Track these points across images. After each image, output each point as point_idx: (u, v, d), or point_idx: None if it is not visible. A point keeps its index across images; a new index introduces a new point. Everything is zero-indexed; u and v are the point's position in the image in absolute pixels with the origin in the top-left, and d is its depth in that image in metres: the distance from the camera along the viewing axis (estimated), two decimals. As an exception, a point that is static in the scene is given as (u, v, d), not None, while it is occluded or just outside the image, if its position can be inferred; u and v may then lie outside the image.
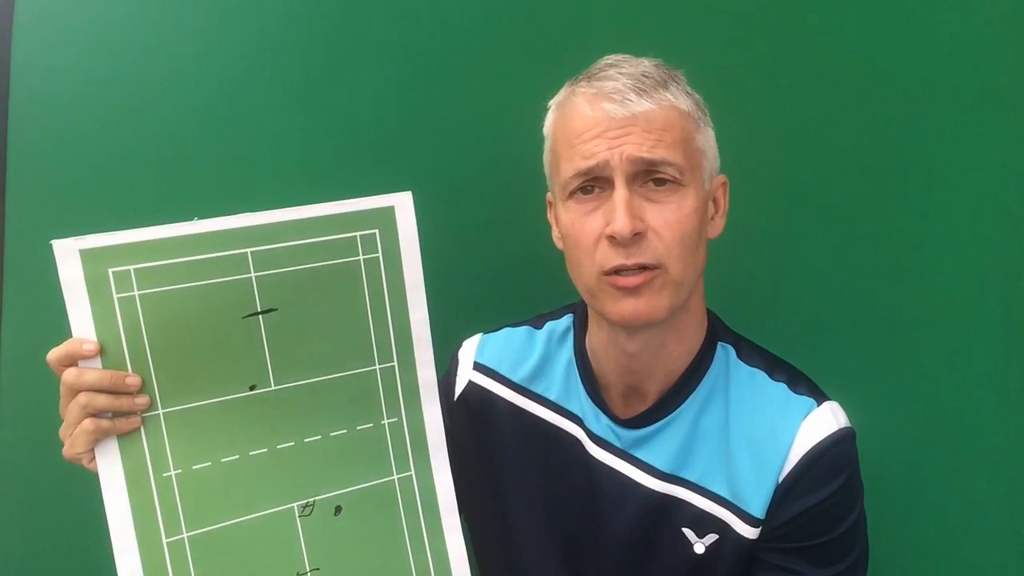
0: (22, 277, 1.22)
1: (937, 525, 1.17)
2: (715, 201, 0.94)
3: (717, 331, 0.98)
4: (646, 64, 0.89)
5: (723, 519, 0.91)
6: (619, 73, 0.86)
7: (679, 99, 0.87)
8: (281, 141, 1.23)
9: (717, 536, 0.91)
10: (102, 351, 0.79)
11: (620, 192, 0.85)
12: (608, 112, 0.85)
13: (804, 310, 1.19)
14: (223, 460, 0.84)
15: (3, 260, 1.23)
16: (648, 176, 0.86)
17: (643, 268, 0.85)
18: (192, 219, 0.83)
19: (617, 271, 0.86)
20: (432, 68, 1.22)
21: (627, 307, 0.86)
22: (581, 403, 1.00)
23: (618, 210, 0.84)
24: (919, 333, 1.17)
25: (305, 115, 1.22)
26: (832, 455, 0.89)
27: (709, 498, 0.92)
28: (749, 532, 0.90)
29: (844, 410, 0.93)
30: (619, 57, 0.90)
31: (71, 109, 1.22)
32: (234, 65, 1.22)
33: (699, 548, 0.92)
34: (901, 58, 1.16)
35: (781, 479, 0.89)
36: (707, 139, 0.90)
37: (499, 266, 1.22)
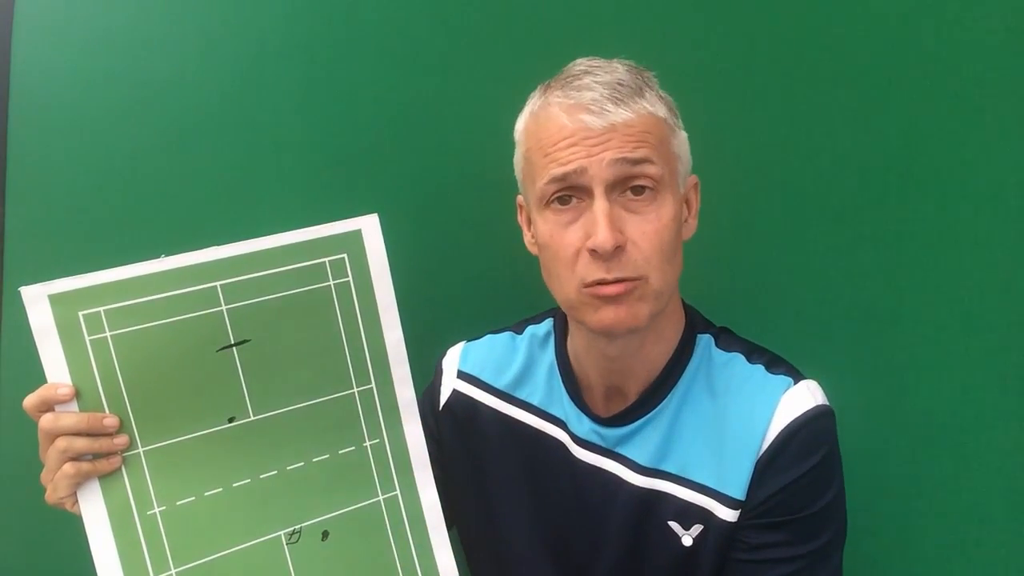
0: (22, 277, 1.22)
1: (937, 524, 1.17)
2: (688, 202, 0.93)
3: (697, 325, 0.98)
4: (620, 70, 0.88)
5: (706, 507, 0.91)
6: (595, 82, 0.85)
7: (655, 106, 0.87)
8: (265, 150, 1.23)
9: (702, 527, 0.91)
10: (78, 394, 0.80)
11: (600, 203, 0.84)
12: (587, 123, 0.84)
13: (803, 309, 1.18)
14: (207, 494, 0.85)
15: (3, 260, 1.24)
16: (627, 184, 0.85)
17: (623, 280, 0.84)
18: (160, 256, 0.82)
19: (599, 282, 0.85)
20: (402, 83, 1.21)
21: (608, 315, 0.86)
22: (564, 406, 1.00)
23: (599, 223, 0.83)
24: (919, 333, 1.16)
25: (289, 126, 1.23)
26: (808, 431, 0.88)
27: (691, 488, 0.92)
28: (730, 515, 0.90)
29: (830, 393, 0.92)
30: (592, 62, 0.89)
31: (71, 109, 1.22)
32: (232, 67, 1.22)
33: (687, 540, 0.92)
34: (901, 58, 1.14)
35: (759, 456, 0.89)
36: (681, 143, 0.90)
37: (472, 278, 1.22)
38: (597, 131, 0.84)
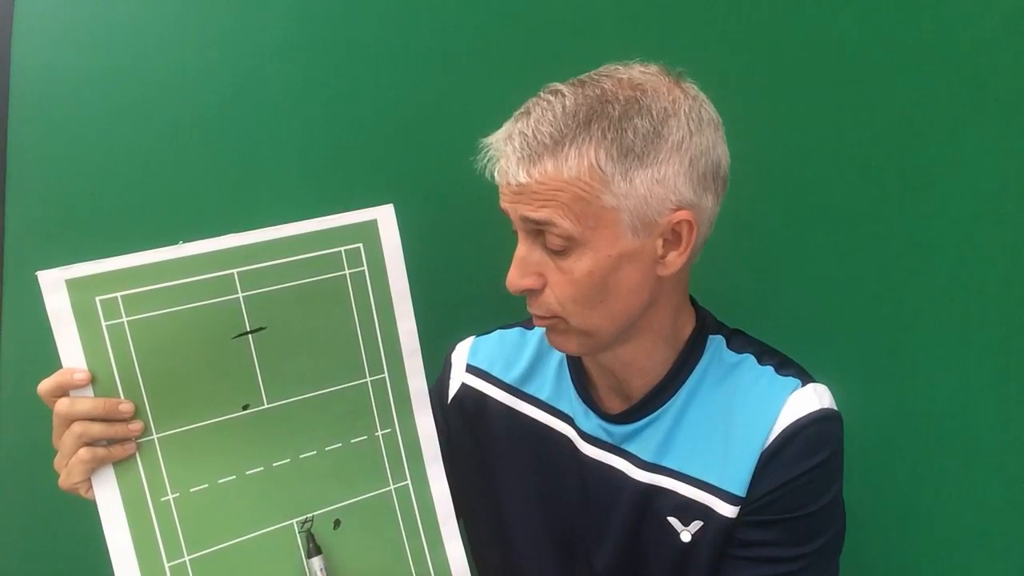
0: (22, 277, 1.22)
1: (937, 524, 1.18)
2: (675, 236, 0.87)
3: (709, 327, 0.98)
4: (555, 112, 0.84)
5: (706, 504, 0.91)
6: (518, 131, 0.85)
7: (569, 164, 0.82)
8: (278, 142, 1.23)
9: (702, 523, 0.92)
10: (93, 379, 0.79)
11: (519, 247, 0.88)
12: (498, 178, 0.88)
13: (804, 310, 1.19)
14: (220, 481, 0.85)
15: (3, 260, 1.23)
16: (542, 234, 0.86)
17: (539, 316, 0.90)
18: (177, 243, 0.82)
19: None
20: (417, 74, 1.22)
21: (546, 336, 0.94)
22: (571, 402, 1.00)
23: (512, 266, 0.88)
24: (919, 333, 1.17)
25: (301, 117, 1.23)
26: (811, 433, 0.89)
27: (692, 484, 0.92)
28: (731, 512, 0.90)
29: (833, 395, 0.93)
30: (548, 95, 0.86)
31: (71, 109, 1.21)
32: (233, 66, 1.22)
33: (685, 536, 0.92)
34: (902, 58, 1.15)
35: (761, 453, 0.89)
36: (630, 191, 0.83)
37: (483, 273, 1.22)
38: (511, 186, 0.85)
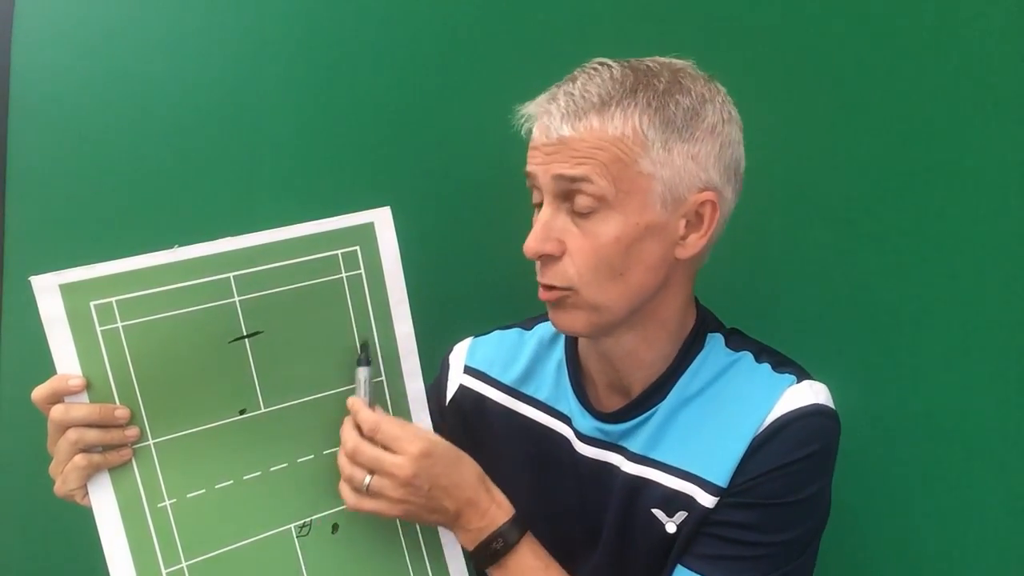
0: (22, 278, 1.20)
1: (937, 524, 1.18)
2: (698, 218, 0.89)
3: (709, 325, 0.98)
4: (602, 78, 0.87)
5: (689, 494, 0.91)
6: (566, 92, 0.87)
7: (614, 123, 0.84)
8: (276, 144, 1.23)
9: (686, 513, 0.91)
10: (88, 385, 0.79)
11: (543, 211, 0.88)
12: (536, 137, 0.89)
13: (804, 309, 1.19)
14: (217, 486, 0.84)
15: (3, 261, 1.23)
16: (570, 198, 0.86)
17: (552, 287, 0.89)
18: (172, 247, 0.82)
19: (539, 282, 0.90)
20: (416, 76, 1.22)
21: (552, 317, 0.92)
22: (569, 403, 1.00)
23: (533, 230, 0.88)
24: (919, 333, 1.17)
25: (299, 120, 1.23)
26: (803, 424, 0.89)
27: (676, 475, 0.92)
28: (709, 502, 0.90)
29: (833, 395, 0.93)
30: (596, 64, 0.89)
31: (71, 109, 1.21)
32: (232, 67, 1.22)
33: (671, 528, 0.92)
34: (902, 58, 1.15)
35: (750, 444, 0.89)
36: (667, 161, 0.85)
37: (481, 274, 1.22)
38: (547, 143, 0.86)
